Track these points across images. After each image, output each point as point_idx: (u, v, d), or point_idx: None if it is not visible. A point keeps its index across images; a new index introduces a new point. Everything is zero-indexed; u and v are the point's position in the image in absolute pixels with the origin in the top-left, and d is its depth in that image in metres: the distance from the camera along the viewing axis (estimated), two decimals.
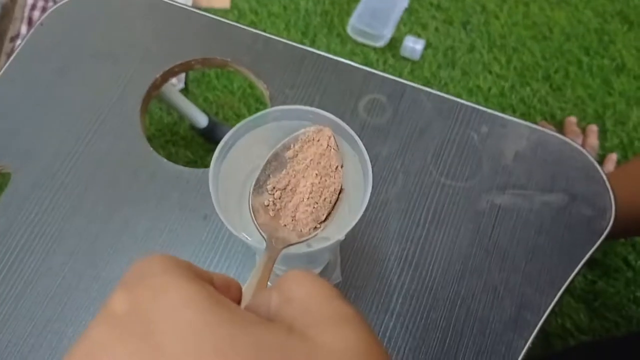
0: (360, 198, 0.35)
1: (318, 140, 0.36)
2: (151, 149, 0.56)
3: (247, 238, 0.34)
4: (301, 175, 0.36)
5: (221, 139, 0.35)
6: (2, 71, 0.60)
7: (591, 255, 0.54)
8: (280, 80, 0.60)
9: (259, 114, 0.36)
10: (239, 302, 0.25)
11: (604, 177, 0.57)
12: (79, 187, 0.54)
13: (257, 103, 1.20)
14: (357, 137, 0.35)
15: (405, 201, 0.55)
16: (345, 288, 0.51)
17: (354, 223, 0.33)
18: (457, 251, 0.53)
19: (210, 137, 1.13)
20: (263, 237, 0.33)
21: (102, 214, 0.53)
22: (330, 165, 0.36)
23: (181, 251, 0.52)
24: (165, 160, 0.56)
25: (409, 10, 1.37)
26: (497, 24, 1.37)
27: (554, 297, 0.52)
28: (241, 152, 0.36)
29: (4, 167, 0.55)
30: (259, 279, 0.29)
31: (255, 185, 0.35)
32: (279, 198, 0.35)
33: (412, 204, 0.55)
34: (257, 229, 0.34)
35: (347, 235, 0.34)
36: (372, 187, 0.34)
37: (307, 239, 0.34)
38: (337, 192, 0.36)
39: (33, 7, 1.12)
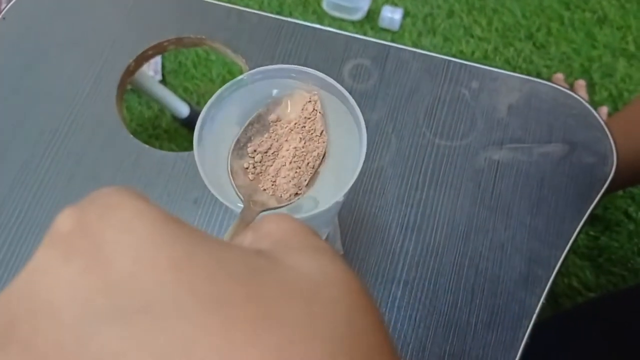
0: (353, 160, 0.33)
1: (303, 104, 0.35)
2: (131, 136, 0.54)
3: (239, 207, 0.31)
4: (284, 139, 0.34)
5: None
6: None
7: (597, 203, 0.53)
8: (259, 53, 0.58)
9: (241, 76, 0.34)
10: None
11: (602, 122, 0.55)
12: (61, 181, 0.52)
13: None
14: (347, 93, 0.33)
15: (401, 166, 0.53)
16: (347, 260, 0.49)
17: (351, 183, 0.31)
18: (459, 212, 0.51)
19: (193, 127, 1.10)
20: (240, 199, 0.31)
21: None
22: (315, 130, 0.34)
23: None
24: (147, 146, 0.53)
25: None
26: None
27: (564, 250, 0.50)
28: (226, 120, 0.34)
29: None
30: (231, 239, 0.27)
31: (235, 147, 0.33)
32: (260, 162, 0.33)
33: (408, 168, 0.53)
34: (235, 190, 0.32)
35: (344, 206, 0.32)
36: (365, 154, 0.32)
37: (286, 205, 0.32)
38: (320, 157, 0.34)
39: None
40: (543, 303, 0.48)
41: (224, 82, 1.18)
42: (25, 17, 0.60)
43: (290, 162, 0.33)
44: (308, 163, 0.33)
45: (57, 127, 0.54)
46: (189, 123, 1.10)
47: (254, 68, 0.56)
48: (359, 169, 0.31)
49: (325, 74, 0.34)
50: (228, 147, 0.33)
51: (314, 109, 0.34)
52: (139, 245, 0.15)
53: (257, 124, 0.34)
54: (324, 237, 0.48)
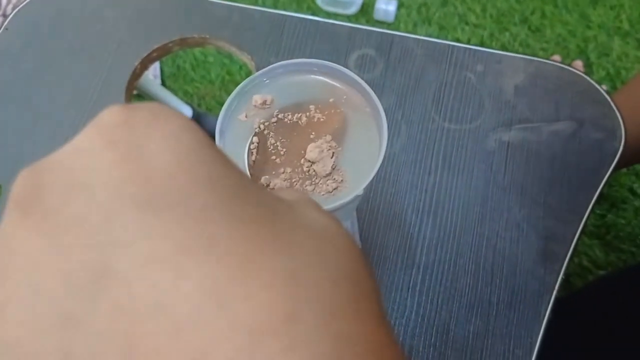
0: (372, 154, 0.33)
1: (326, 114, 0.35)
2: None
3: None
4: (305, 139, 0.34)
5: (209, 128, 0.33)
6: None
7: (608, 178, 0.53)
8: (264, 49, 0.58)
9: (258, 73, 0.34)
10: None
11: (608, 98, 0.56)
12: None
13: None
14: (369, 89, 0.33)
15: (413, 152, 0.53)
16: (366, 249, 0.50)
17: (372, 176, 0.32)
18: (473, 194, 0.52)
19: None
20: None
21: None
22: (334, 145, 0.34)
23: None
24: None
25: None
26: None
27: (579, 225, 0.51)
28: (246, 113, 0.34)
29: None
30: None
31: (252, 143, 0.34)
32: (281, 158, 0.34)
33: (420, 154, 0.53)
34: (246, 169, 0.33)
35: (361, 197, 0.32)
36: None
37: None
38: (334, 167, 0.34)
39: None
40: (562, 278, 0.49)
41: (223, 83, 1.19)
42: (27, 26, 0.60)
43: (308, 160, 0.33)
44: (325, 165, 0.34)
45: (67, 135, 0.54)
46: None
47: (260, 64, 0.56)
48: (379, 162, 0.31)
49: None
50: (246, 143, 0.34)
51: (342, 126, 0.35)
52: (180, 152, 0.16)
53: (279, 122, 0.34)
54: None
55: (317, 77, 0.35)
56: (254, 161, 0.33)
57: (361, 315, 0.16)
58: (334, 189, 0.33)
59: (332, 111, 0.34)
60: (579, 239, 0.51)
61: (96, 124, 0.16)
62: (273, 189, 0.32)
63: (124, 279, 0.14)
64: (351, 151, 0.34)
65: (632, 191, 1.10)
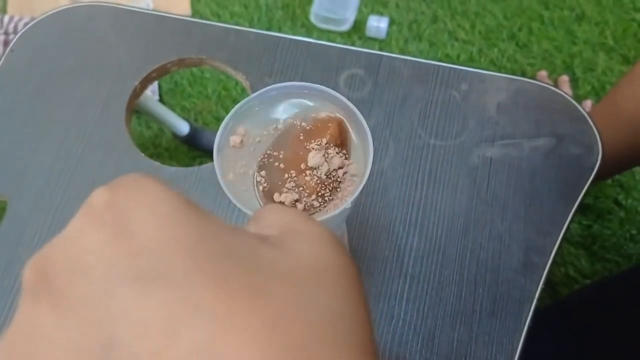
0: (359, 169, 0.35)
1: (330, 125, 0.36)
2: (142, 154, 0.56)
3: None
4: (308, 153, 0.36)
5: (205, 143, 0.35)
6: None
7: (586, 191, 0.56)
8: (258, 69, 0.61)
9: (253, 95, 0.36)
10: None
11: (585, 115, 0.59)
12: (77, 204, 0.54)
13: (234, 104, 1.19)
14: (355, 109, 0.36)
15: (400, 167, 0.56)
16: (355, 258, 0.52)
17: (358, 191, 0.34)
18: (457, 207, 0.54)
19: (194, 144, 1.13)
20: (261, 205, 0.34)
21: None
22: (340, 151, 0.36)
23: None
24: (158, 163, 0.56)
25: None
26: None
27: (558, 237, 0.53)
28: (243, 134, 0.37)
29: None
30: None
31: (261, 159, 0.36)
32: (282, 175, 0.35)
33: (407, 169, 0.56)
34: (258, 200, 0.34)
35: (350, 211, 0.34)
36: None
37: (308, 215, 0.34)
38: (340, 176, 0.36)
39: None
40: (542, 288, 0.51)
41: (219, 98, 1.22)
42: (32, 47, 0.62)
43: (316, 174, 0.35)
44: (331, 177, 0.35)
45: (70, 152, 0.57)
46: (189, 140, 1.12)
47: (254, 83, 0.59)
48: (365, 178, 0.34)
49: (322, 84, 0.37)
50: (246, 161, 0.36)
51: (344, 132, 0.37)
52: (160, 224, 0.18)
53: (282, 139, 0.36)
54: None
55: (306, 101, 0.37)
56: (264, 187, 0.35)
57: (342, 355, 0.17)
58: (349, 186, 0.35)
59: (327, 117, 0.37)
60: (558, 249, 0.53)
61: (85, 209, 0.19)
62: (283, 202, 0.34)
63: (128, 348, 0.16)
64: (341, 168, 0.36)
65: (617, 202, 1.13)
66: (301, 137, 0.36)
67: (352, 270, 0.20)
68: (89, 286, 0.17)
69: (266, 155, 0.36)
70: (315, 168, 0.35)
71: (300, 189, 0.35)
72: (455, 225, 0.54)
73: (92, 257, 0.18)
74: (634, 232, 1.10)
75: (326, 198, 0.35)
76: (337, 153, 0.36)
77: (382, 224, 0.54)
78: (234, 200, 0.33)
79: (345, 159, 0.36)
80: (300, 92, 0.37)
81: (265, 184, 0.35)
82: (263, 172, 0.35)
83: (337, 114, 0.37)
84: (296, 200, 0.35)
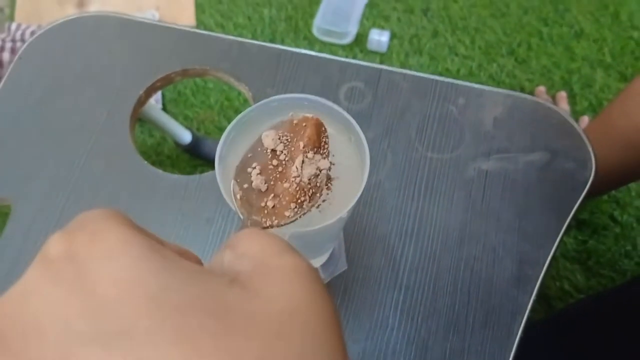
0: (356, 180, 0.36)
1: (307, 126, 0.36)
2: (145, 162, 0.58)
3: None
4: (289, 161, 0.35)
5: (207, 152, 0.35)
6: None
7: (580, 206, 0.57)
8: (260, 80, 0.62)
9: (255, 106, 0.38)
10: None
11: (580, 131, 0.60)
12: (80, 209, 0.55)
13: (236, 114, 1.21)
14: (352, 120, 0.37)
15: (397, 179, 0.57)
16: (351, 268, 0.53)
17: (354, 201, 0.34)
18: (453, 219, 0.55)
19: (196, 152, 1.14)
20: (240, 216, 0.33)
21: None
22: (320, 152, 0.36)
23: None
24: (160, 171, 0.57)
25: (369, 5, 1.40)
26: (456, 7, 1.40)
27: (551, 250, 0.54)
28: (244, 144, 0.37)
29: (3, 200, 0.56)
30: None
31: (240, 168, 0.35)
32: (263, 182, 0.34)
33: (404, 181, 0.57)
34: (235, 209, 0.34)
35: (347, 221, 0.34)
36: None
37: (285, 223, 0.33)
38: (324, 178, 0.35)
39: (2, 49, 1.12)
40: (534, 300, 0.52)
41: (222, 108, 1.23)
42: (40, 56, 0.64)
43: (292, 185, 0.34)
44: (311, 187, 0.35)
45: (75, 158, 0.58)
46: (191, 149, 1.14)
47: (256, 94, 0.61)
48: (361, 189, 0.35)
49: (322, 96, 0.38)
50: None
51: (317, 135, 0.36)
52: (120, 275, 0.17)
53: (261, 146, 0.36)
54: (329, 252, 0.51)
55: (305, 112, 0.38)
56: (241, 197, 0.34)
57: None
58: (323, 201, 0.36)
59: (303, 118, 0.36)
60: (550, 263, 0.54)
61: (41, 259, 0.18)
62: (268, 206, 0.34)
63: None
64: (337, 178, 0.37)
65: (612, 218, 1.14)
66: (279, 142, 0.36)
67: (328, 310, 0.19)
68: (44, 349, 0.16)
69: (243, 163, 0.35)
70: (295, 176, 0.34)
71: (279, 197, 0.34)
72: (450, 236, 0.55)
73: (47, 318, 0.16)
74: (629, 248, 1.11)
75: (304, 206, 0.34)
76: (316, 154, 0.35)
77: (378, 234, 0.55)
78: (235, 209, 0.34)
79: (324, 157, 0.35)
80: (301, 103, 0.39)
81: (242, 193, 0.34)
82: (239, 180, 0.35)
83: (313, 115, 0.37)
84: (273, 207, 0.34)
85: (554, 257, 0.54)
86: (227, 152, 0.37)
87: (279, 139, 0.36)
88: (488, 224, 0.55)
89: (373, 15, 1.39)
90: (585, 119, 1.23)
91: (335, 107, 0.38)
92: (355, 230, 0.55)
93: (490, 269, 0.53)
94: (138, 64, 0.63)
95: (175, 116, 1.22)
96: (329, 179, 0.36)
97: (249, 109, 0.38)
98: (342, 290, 0.52)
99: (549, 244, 0.55)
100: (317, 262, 0.52)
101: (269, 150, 0.36)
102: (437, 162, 0.58)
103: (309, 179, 0.35)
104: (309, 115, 0.37)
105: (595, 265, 1.08)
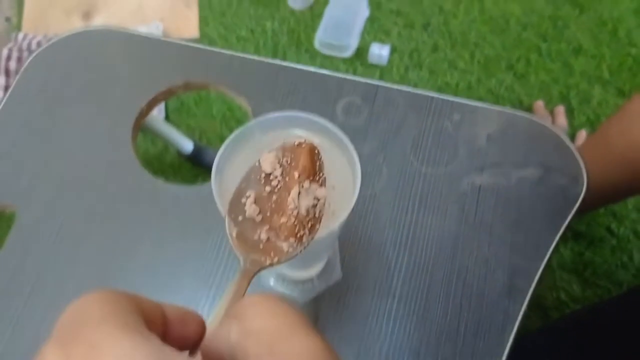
0: (350, 190, 0.37)
1: (301, 154, 0.35)
2: (146, 172, 0.59)
3: None
4: (284, 190, 0.34)
5: (208, 161, 0.36)
6: None
7: (571, 220, 0.58)
8: (260, 94, 0.64)
9: (252, 122, 0.39)
10: (200, 337, 0.23)
11: (572, 147, 0.61)
12: (82, 218, 0.57)
13: (238, 124, 1.23)
14: (346, 140, 0.38)
15: (392, 192, 0.58)
16: (346, 277, 0.54)
17: (344, 216, 0.35)
18: (446, 232, 0.57)
19: (197, 161, 1.16)
20: (239, 259, 0.32)
21: (108, 240, 0.56)
22: (316, 180, 0.35)
23: (186, 266, 0.55)
24: (161, 181, 0.59)
25: (370, 19, 1.42)
26: (456, 22, 1.42)
27: (542, 262, 0.56)
28: (239, 163, 0.39)
29: (8, 207, 0.58)
30: (226, 308, 0.26)
31: (234, 199, 0.34)
32: (258, 214, 0.33)
33: (398, 194, 0.58)
34: (234, 249, 0.32)
35: (343, 229, 0.34)
36: (360, 183, 0.35)
37: (285, 260, 0.32)
38: (321, 208, 0.34)
39: (8, 58, 1.15)
40: (525, 310, 0.54)
41: (224, 119, 1.25)
42: (46, 67, 0.66)
43: (291, 215, 0.33)
44: (309, 215, 0.33)
45: (78, 168, 0.60)
46: (193, 158, 1.15)
47: (255, 108, 0.62)
48: (349, 209, 0.35)
49: (320, 111, 0.40)
50: (237, 185, 0.35)
51: (312, 159, 0.35)
52: None
53: (255, 175, 0.34)
54: (324, 261, 0.53)
55: (301, 131, 0.40)
56: (237, 232, 0.33)
57: None
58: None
59: (297, 145, 0.35)
60: (542, 275, 0.55)
61: None
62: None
63: None
64: (329, 190, 0.38)
65: (609, 230, 1.15)
66: (278, 165, 0.34)
67: None
68: None
69: (237, 193, 0.34)
70: (292, 208, 0.33)
71: (275, 231, 0.33)
72: (443, 248, 0.56)
73: None
74: (625, 259, 1.13)
75: (304, 240, 0.33)
76: (312, 182, 0.34)
77: (373, 245, 0.56)
78: (227, 224, 0.34)
79: (321, 185, 0.35)
80: (298, 119, 0.40)
81: (237, 230, 0.33)
82: (233, 215, 0.33)
83: (307, 139, 0.35)
84: (268, 240, 0.33)
85: (545, 269, 0.56)
86: (224, 166, 0.38)
87: (279, 161, 0.35)
88: (480, 237, 0.57)
89: (374, 30, 1.41)
90: (582, 134, 1.24)
91: (330, 125, 0.39)
92: (351, 240, 0.56)
93: (482, 280, 0.55)
94: (141, 76, 0.65)
95: (178, 125, 1.24)
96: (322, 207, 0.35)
97: (246, 124, 0.39)
98: (337, 299, 0.54)
99: (541, 257, 0.56)
100: (313, 271, 0.53)
101: (262, 177, 0.34)
102: (432, 176, 0.59)
103: (307, 211, 0.33)
104: (302, 141, 0.36)
105: (591, 276, 1.10)
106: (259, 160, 0.35)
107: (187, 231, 0.56)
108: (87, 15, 1.41)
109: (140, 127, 0.65)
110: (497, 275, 0.55)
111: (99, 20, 1.40)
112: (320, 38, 1.36)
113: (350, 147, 0.38)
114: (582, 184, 0.60)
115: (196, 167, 1.19)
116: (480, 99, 1.31)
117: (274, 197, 0.34)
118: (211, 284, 0.54)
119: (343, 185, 0.38)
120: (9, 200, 0.58)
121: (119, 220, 0.57)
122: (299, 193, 0.34)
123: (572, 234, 1.14)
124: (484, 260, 0.56)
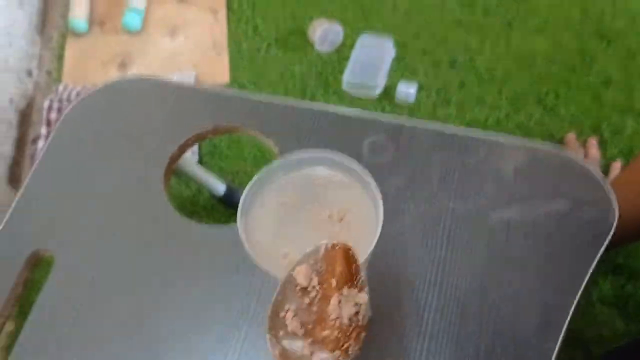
0: (371, 233, 0.37)
1: (335, 258, 0.34)
2: (178, 214, 0.61)
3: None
4: (323, 300, 0.33)
5: (239, 201, 0.37)
6: (35, 166, 0.66)
7: (604, 253, 0.57)
8: (288, 136, 0.65)
9: (271, 165, 0.40)
10: None
11: (601, 180, 0.61)
12: (119, 262, 0.59)
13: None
14: (371, 179, 0.39)
15: (420, 228, 0.59)
16: (377, 316, 0.54)
17: (366, 255, 0.36)
18: (476, 267, 0.56)
19: (229, 203, 1.18)
20: None
21: (143, 282, 0.58)
22: (354, 285, 0.34)
23: (218, 303, 0.56)
24: (193, 222, 0.61)
25: (397, 59, 1.44)
26: (482, 59, 1.43)
27: (575, 296, 0.55)
28: (268, 199, 0.40)
29: (47, 252, 0.60)
30: None
31: (272, 314, 0.33)
32: (300, 327, 0.32)
33: (427, 230, 0.59)
34: None
35: (369, 270, 0.34)
36: (387, 219, 0.36)
37: None
38: (364, 315, 0.33)
39: (49, 109, 1.20)
40: (560, 347, 0.52)
41: (255, 160, 1.27)
42: (83, 117, 0.69)
43: (335, 325, 0.32)
44: (352, 323, 0.32)
45: (114, 213, 0.62)
46: (226, 199, 1.18)
47: (283, 149, 0.64)
48: (372, 246, 0.36)
49: (346, 151, 0.40)
50: (271, 225, 0.36)
51: (347, 262, 0.34)
52: None
53: (290, 285, 0.33)
54: None
55: (323, 169, 0.41)
56: (280, 351, 0.31)
57: None
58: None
59: (330, 250, 0.34)
60: (575, 309, 0.54)
61: None
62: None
63: None
64: (353, 228, 0.39)
65: None
66: (312, 274, 0.33)
67: None
68: None
69: (275, 307, 0.33)
70: (333, 318, 0.32)
71: (319, 344, 0.31)
72: (473, 285, 0.56)
73: None
74: None
75: (349, 351, 0.31)
76: (350, 288, 0.32)
77: (403, 282, 0.56)
78: (257, 263, 0.35)
79: (360, 291, 0.33)
80: (323, 159, 0.41)
81: (278, 345, 0.32)
82: (274, 331, 0.32)
83: (339, 243, 0.34)
84: (311, 354, 0.31)
85: (579, 303, 0.55)
86: (249, 207, 0.40)
87: (312, 271, 0.34)
88: (511, 272, 0.56)
89: (401, 69, 1.43)
90: (617, 165, 1.22)
91: (355, 165, 0.40)
92: (378, 279, 0.56)
93: (514, 317, 0.54)
94: (173, 122, 0.68)
95: (210, 168, 1.27)
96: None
97: (270, 165, 0.40)
98: (368, 339, 0.54)
99: (574, 291, 0.55)
100: None
101: (298, 289, 0.33)
102: (459, 212, 0.59)
103: (349, 319, 0.32)
104: (336, 242, 0.34)
105: (634, 310, 1.06)
106: (292, 273, 0.33)
107: (215, 270, 0.57)
108: (122, 65, 1.47)
109: (175, 170, 0.68)
110: (530, 311, 0.54)
111: (135, 70, 1.46)
112: (348, 80, 1.38)
113: (373, 183, 0.39)
114: (613, 217, 0.59)
115: (229, 208, 1.21)
116: (510, 133, 1.30)
117: (314, 309, 0.32)
118: (244, 315, 0.55)
119: (365, 222, 0.39)
120: (47, 246, 0.61)
121: (151, 262, 0.59)
122: (339, 302, 0.32)
123: (611, 267, 1.10)
124: (515, 296, 0.55)
